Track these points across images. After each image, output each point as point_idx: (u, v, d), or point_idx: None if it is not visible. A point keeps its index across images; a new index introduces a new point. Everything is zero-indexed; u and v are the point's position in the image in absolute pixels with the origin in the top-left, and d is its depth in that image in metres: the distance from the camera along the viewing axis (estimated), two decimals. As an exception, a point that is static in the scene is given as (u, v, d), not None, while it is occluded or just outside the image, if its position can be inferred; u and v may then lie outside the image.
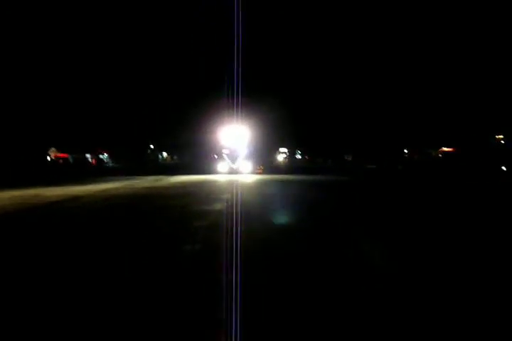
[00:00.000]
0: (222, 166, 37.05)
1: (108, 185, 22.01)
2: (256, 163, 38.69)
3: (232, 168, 36.97)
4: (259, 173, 36.83)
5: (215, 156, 38.91)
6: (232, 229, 8.04)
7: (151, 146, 76.28)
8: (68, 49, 48.84)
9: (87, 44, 50.36)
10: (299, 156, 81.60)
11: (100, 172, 40.01)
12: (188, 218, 9.90)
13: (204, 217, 9.88)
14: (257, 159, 39.70)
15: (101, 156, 57.47)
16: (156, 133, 62.08)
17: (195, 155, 42.99)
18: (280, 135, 62.57)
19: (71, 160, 51.17)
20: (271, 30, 56.05)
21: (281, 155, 73.19)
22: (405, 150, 59.52)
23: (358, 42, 56.05)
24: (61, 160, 49.75)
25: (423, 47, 51.19)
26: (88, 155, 54.55)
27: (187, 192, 17.01)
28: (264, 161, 43.30)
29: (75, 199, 14.96)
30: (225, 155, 37.58)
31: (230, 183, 22.60)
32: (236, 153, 37.61)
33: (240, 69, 32.98)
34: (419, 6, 50.89)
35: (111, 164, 54.48)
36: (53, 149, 49.56)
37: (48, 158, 49.09)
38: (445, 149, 50.21)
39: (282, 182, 25.07)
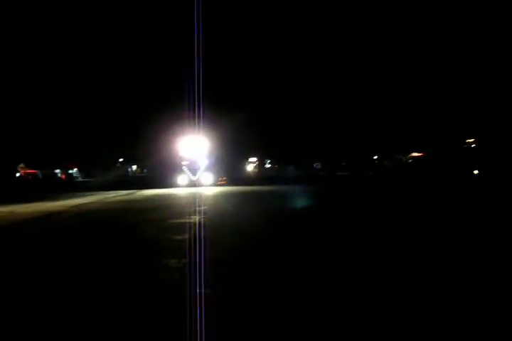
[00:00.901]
0: (182, 179, 36.25)
1: (80, 200, 21.79)
2: (218, 175, 37.96)
3: (192, 181, 36.09)
4: (222, 185, 36.27)
5: (178, 168, 37.53)
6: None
7: (120, 160, 75.82)
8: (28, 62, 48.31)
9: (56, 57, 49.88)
10: (268, 165, 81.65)
11: (71, 187, 39.60)
12: (163, 230, 9.85)
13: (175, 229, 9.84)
14: (219, 170, 38.99)
15: (70, 171, 56.97)
16: (124, 145, 61.53)
17: (162, 167, 42.33)
18: (247, 144, 62.24)
19: (40, 175, 50.64)
20: (233, 34, 55.48)
21: (251, 165, 73.15)
22: (375, 157, 60.11)
23: (323, 46, 56.04)
24: (30, 176, 49.21)
25: (390, 51, 51.61)
26: (57, 171, 54.05)
27: (155, 206, 16.89)
28: (230, 172, 42.78)
29: (49, 215, 14.78)
30: (184, 167, 36.61)
31: (186, 197, 22.11)
32: (196, 164, 36.69)
33: (201, 76, 32.87)
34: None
35: (81, 179, 54.00)
36: (22, 165, 49.06)
37: (17, 174, 48.54)
38: (415, 154, 50.85)
39: (242, 194, 23.59)
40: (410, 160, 51.02)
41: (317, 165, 65.97)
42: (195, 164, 36.51)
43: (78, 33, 51.48)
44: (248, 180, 42.61)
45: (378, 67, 52.54)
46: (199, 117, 36.00)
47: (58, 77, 51.37)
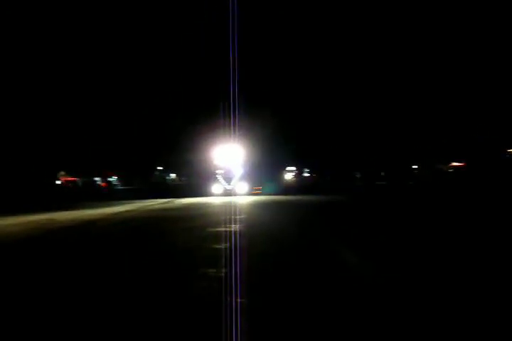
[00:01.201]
0: (216, 188, 36.03)
1: (119, 208, 21.98)
2: (253, 184, 37.59)
3: (226, 190, 35.86)
4: (257, 194, 35.73)
5: (213, 177, 37.27)
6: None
7: (159, 168, 76.26)
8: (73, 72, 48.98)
9: (95, 65, 50.50)
10: (306, 174, 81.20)
11: (110, 195, 40.08)
12: (201, 239, 9.81)
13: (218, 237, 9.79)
14: (254, 179, 38.56)
15: (110, 179, 57.53)
16: (162, 154, 61.93)
17: (197, 176, 42.19)
18: (284, 153, 61.93)
19: (80, 183, 51.32)
20: (268, 42, 55.33)
21: (289, 174, 72.84)
22: (415, 166, 59.34)
23: (363, 56, 55.62)
24: (70, 184, 49.89)
25: (426, 58, 51.05)
26: (97, 179, 54.67)
27: (192, 214, 16.87)
28: (265, 181, 42.41)
29: (88, 223, 14.91)
30: (219, 176, 36.42)
31: (221, 206, 21.78)
32: (230, 173, 36.45)
33: (237, 83, 32.83)
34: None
35: (120, 187, 54.50)
36: (62, 173, 49.75)
37: (58, 182, 49.23)
38: (455, 164, 50.14)
39: (277, 204, 23.13)
40: (451, 170, 50.32)
41: (356, 175, 65.39)
42: (229, 173, 36.35)
43: (117, 42, 51.96)
44: (284, 189, 41.94)
45: (421, 75, 51.95)
46: (234, 125, 36.04)
47: (101, 87, 52.03)
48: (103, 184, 54.98)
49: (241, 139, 38.09)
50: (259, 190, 37.76)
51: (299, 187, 48.36)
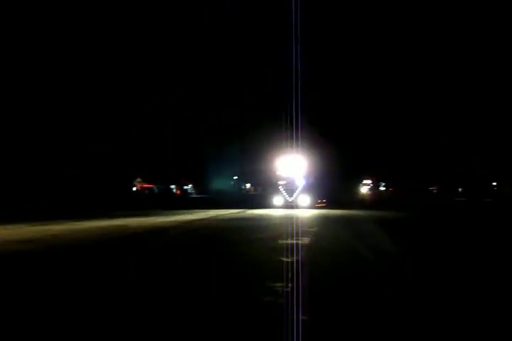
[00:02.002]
0: (277, 199, 34.46)
1: (192, 216, 22.13)
2: (317, 196, 35.61)
3: (288, 202, 34.07)
4: (321, 207, 34.02)
5: (275, 188, 35.40)
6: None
7: (235, 177, 76.76)
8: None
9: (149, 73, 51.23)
10: (382, 188, 79.90)
11: (184, 203, 40.45)
12: (270, 251, 9.62)
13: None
14: (318, 191, 36.52)
15: (185, 187, 58.27)
16: (238, 164, 62.20)
17: (265, 187, 40.95)
18: (357, 166, 61.01)
19: (156, 190, 52.15)
20: (330, 52, 55.06)
21: (365, 188, 71.95)
22: (494, 183, 57.43)
23: (421, 65, 54.68)
24: (147, 191, 50.77)
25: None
26: (173, 186, 55.46)
27: (262, 225, 16.77)
28: (332, 194, 40.59)
29: (161, 231, 15.01)
30: (281, 188, 34.71)
31: (282, 218, 21.32)
32: (293, 185, 34.69)
33: (300, 92, 32.45)
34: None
35: (195, 195, 55.12)
36: (139, 180, 50.73)
37: (134, 188, 50.22)
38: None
39: (336, 219, 21.50)
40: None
41: (433, 189, 63.87)
42: (291, 184, 34.80)
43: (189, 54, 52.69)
44: (353, 203, 39.37)
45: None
46: (297, 136, 35.33)
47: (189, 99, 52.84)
48: (178, 191, 55.71)
49: (305, 150, 36.37)
50: (323, 203, 35.83)
51: (371, 201, 46.85)
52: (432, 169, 59.50)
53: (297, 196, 34.39)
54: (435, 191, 62.68)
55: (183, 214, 23.92)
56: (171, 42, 50.75)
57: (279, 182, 34.92)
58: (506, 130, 50.17)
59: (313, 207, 33.84)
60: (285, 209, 30.87)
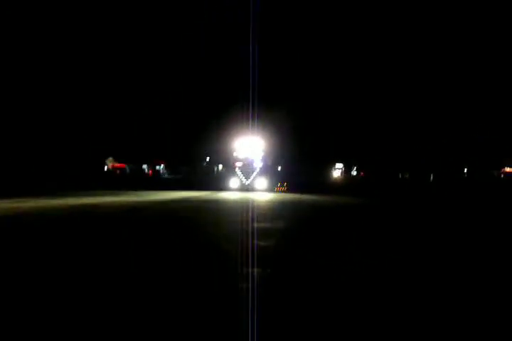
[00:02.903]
0: (234, 182, 33.94)
1: (165, 196, 22.12)
2: (276, 180, 34.93)
3: (244, 185, 33.69)
4: (281, 191, 33.25)
5: (232, 170, 34.77)
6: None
7: (207, 159, 76.32)
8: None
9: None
10: (354, 173, 79.85)
11: (156, 183, 40.19)
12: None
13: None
14: (278, 175, 36.24)
15: (158, 167, 57.83)
16: (210, 145, 61.89)
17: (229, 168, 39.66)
18: (328, 150, 60.38)
19: (128, 170, 51.71)
20: (286, 33, 54.56)
21: (337, 172, 71.81)
22: (465, 170, 57.92)
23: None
24: (118, 171, 50.33)
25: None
26: (145, 166, 55.01)
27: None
28: (297, 177, 39.33)
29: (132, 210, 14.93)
30: (237, 170, 34.22)
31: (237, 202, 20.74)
32: (250, 167, 34.15)
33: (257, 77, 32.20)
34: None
35: (167, 175, 54.78)
36: (111, 159, 50.25)
37: (105, 168, 49.76)
38: (508, 170, 48.87)
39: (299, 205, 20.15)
40: (502, 175, 49.03)
41: (405, 175, 64.07)
42: (249, 166, 34.28)
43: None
44: (317, 187, 35.89)
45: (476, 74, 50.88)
46: (254, 115, 34.74)
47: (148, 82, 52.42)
48: (150, 171, 55.32)
49: (265, 132, 36.52)
50: (284, 187, 34.56)
51: (340, 185, 46.08)
52: (405, 154, 59.54)
53: (254, 179, 33.90)
54: (406, 176, 62.91)
55: (155, 194, 23.86)
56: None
57: (236, 164, 34.44)
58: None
59: (271, 190, 33.16)
60: (240, 192, 30.31)
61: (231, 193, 29.56)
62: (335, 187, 39.28)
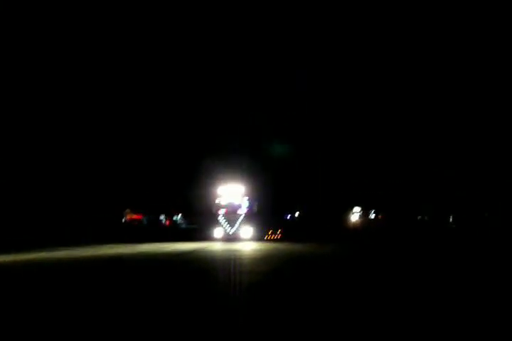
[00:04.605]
0: (218, 231, 31.44)
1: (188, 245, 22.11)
2: (266, 227, 32.41)
3: (228, 234, 31.08)
4: (273, 239, 30.84)
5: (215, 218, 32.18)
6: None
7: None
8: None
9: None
10: (372, 216, 78.68)
11: (173, 233, 39.92)
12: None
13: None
14: (268, 221, 33.05)
15: (175, 217, 57.55)
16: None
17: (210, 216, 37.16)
18: (342, 194, 59.39)
19: (145, 221, 51.48)
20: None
21: (355, 215, 70.83)
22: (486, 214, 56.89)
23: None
24: (136, 222, 50.14)
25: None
26: (162, 217, 54.69)
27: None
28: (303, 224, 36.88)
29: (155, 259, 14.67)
30: (220, 218, 31.62)
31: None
32: (234, 214, 31.49)
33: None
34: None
35: (184, 226, 54.47)
36: (128, 210, 50.08)
37: (123, 220, 49.63)
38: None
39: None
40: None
41: (425, 218, 63.14)
42: (233, 214, 31.68)
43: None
44: (324, 234, 34.42)
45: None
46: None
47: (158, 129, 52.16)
48: (167, 222, 55.00)
49: (248, 177, 34.42)
50: (277, 234, 32.29)
51: (354, 231, 44.02)
52: (424, 197, 58.51)
53: (239, 227, 31.39)
54: (426, 219, 61.86)
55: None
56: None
57: (219, 212, 32.04)
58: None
59: (261, 239, 30.91)
60: (224, 243, 28.20)
61: (212, 243, 28.09)
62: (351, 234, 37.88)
